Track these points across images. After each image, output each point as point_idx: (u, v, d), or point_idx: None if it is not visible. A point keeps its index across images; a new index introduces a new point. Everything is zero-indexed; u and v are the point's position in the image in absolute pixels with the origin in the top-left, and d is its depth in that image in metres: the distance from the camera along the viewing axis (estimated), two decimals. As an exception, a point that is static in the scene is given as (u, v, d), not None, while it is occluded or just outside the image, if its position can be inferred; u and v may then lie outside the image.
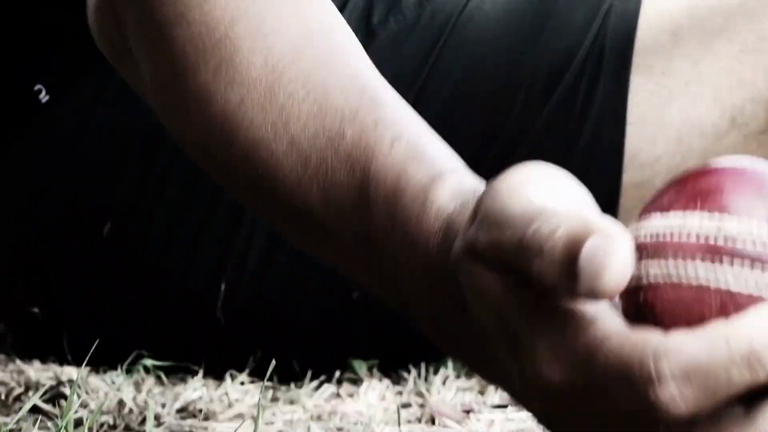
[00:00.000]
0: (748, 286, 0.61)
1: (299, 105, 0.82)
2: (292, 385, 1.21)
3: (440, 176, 0.74)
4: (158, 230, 1.25)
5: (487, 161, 1.17)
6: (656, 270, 0.62)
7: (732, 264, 0.61)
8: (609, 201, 1.12)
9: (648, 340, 0.60)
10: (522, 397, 0.67)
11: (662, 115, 1.19)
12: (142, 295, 1.27)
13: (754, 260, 0.61)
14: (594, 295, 0.60)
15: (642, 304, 0.62)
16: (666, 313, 0.61)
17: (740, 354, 0.59)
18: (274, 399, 1.17)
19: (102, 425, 1.03)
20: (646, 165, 1.15)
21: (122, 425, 1.03)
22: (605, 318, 0.62)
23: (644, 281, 0.62)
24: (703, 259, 0.61)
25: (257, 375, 1.21)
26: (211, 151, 0.87)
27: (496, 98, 1.23)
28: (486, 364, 0.69)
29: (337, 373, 1.21)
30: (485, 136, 1.22)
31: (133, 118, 1.23)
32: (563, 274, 0.61)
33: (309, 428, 1.04)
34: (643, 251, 0.62)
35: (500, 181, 0.67)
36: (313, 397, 1.16)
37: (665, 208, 0.62)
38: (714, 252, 0.61)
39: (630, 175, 1.13)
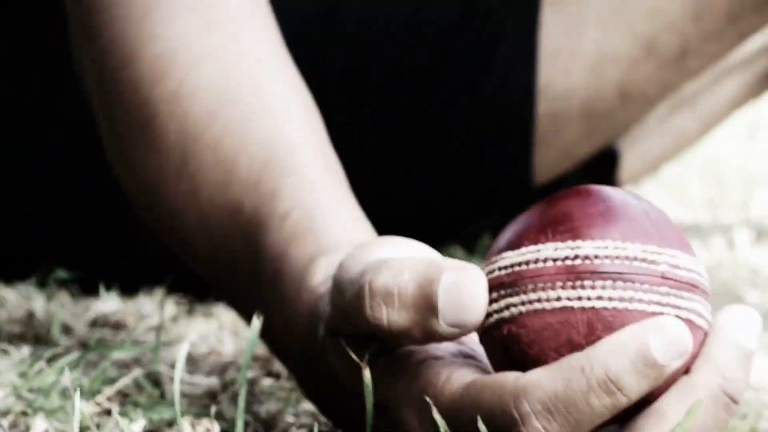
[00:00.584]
0: (612, 302, 0.61)
1: (209, 174, 0.81)
2: (212, 303, 1.22)
3: (319, 256, 0.74)
4: (67, 139, 1.24)
5: (399, 101, 1.18)
6: (517, 301, 0.62)
7: (594, 283, 0.61)
8: (523, 133, 1.14)
9: (505, 382, 0.61)
10: None
11: (576, 45, 1.19)
12: (58, 207, 1.25)
13: (615, 278, 0.61)
14: (459, 327, 0.61)
15: (507, 339, 0.62)
16: (533, 342, 0.61)
17: (597, 381, 0.60)
18: (191, 312, 1.18)
19: (10, 335, 1.03)
20: (561, 96, 1.16)
21: (31, 335, 1.03)
22: (460, 371, 0.63)
23: (506, 314, 0.62)
24: (564, 283, 0.61)
25: (174, 291, 1.21)
26: (140, 210, 0.88)
27: (405, 36, 1.22)
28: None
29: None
30: (396, 76, 1.21)
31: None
32: (420, 314, 0.61)
33: (221, 339, 1.05)
34: (500, 287, 0.62)
35: (350, 253, 0.67)
36: (231, 312, 1.17)
37: (516, 245, 0.62)
38: (574, 274, 0.61)
39: (545, 106, 1.15)
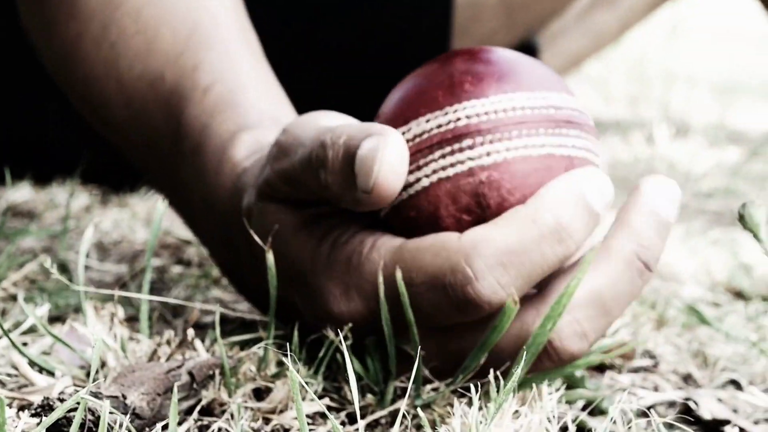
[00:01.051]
0: (582, 150, 0.64)
1: (129, 41, 0.80)
2: (126, 194, 1.21)
3: (242, 131, 0.74)
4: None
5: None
6: (502, 147, 0.62)
7: (569, 131, 0.63)
8: (442, 22, 1.13)
9: (447, 242, 0.61)
10: (316, 327, 0.67)
11: None
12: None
13: (582, 126, 0.64)
14: (371, 192, 0.61)
15: (486, 185, 0.62)
16: (516, 188, 0.62)
17: (548, 230, 0.61)
18: (104, 202, 1.17)
19: None
20: None
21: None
22: (384, 237, 0.63)
23: (489, 161, 0.62)
24: (546, 130, 0.63)
25: (89, 182, 1.20)
26: (58, 79, 0.86)
27: None
28: (277, 305, 0.68)
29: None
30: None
31: None
32: (344, 179, 0.62)
33: (133, 229, 1.04)
34: (477, 134, 0.63)
35: (293, 121, 0.67)
36: (145, 202, 1.17)
37: (479, 95, 0.63)
38: (554, 122, 0.63)
39: None
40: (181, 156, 0.77)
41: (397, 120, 0.64)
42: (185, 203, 0.77)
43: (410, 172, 0.63)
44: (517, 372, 0.58)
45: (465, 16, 1.14)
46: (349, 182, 0.62)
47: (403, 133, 0.63)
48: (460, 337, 0.64)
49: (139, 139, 0.81)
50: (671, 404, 0.73)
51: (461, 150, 0.62)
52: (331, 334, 0.61)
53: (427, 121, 0.63)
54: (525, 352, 0.61)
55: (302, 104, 0.80)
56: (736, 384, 0.78)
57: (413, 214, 0.63)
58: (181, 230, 1.01)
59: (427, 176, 0.63)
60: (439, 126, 0.63)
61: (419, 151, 0.63)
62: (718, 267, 1.01)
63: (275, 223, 0.66)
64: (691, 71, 2.38)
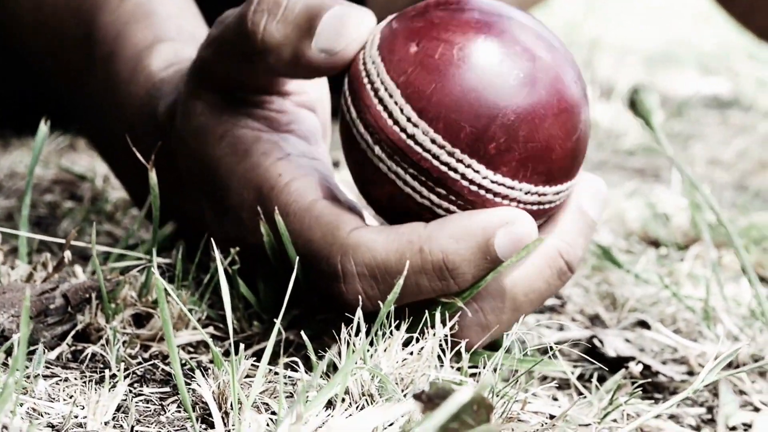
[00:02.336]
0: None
1: None
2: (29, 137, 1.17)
3: (160, 42, 0.71)
4: None
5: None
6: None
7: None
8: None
9: (340, 230, 0.58)
10: (222, 243, 0.64)
11: None
12: None
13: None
14: (329, 53, 0.58)
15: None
16: None
17: (432, 265, 0.57)
18: (5, 146, 1.13)
19: None
20: None
21: None
22: (305, 180, 0.60)
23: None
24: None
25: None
26: None
27: None
28: (188, 214, 0.67)
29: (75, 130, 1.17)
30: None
31: None
32: (296, 32, 0.59)
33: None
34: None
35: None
36: (47, 145, 1.12)
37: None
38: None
39: None
40: (92, 63, 0.74)
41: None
42: (93, 116, 0.74)
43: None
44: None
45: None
46: (300, 35, 0.58)
47: None
48: None
49: (48, 46, 0.78)
50: (576, 343, 0.71)
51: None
52: (218, 256, 0.57)
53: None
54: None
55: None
56: (645, 326, 0.76)
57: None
58: (76, 166, 0.98)
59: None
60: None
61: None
62: (633, 216, 0.99)
63: (198, 127, 0.63)
64: (623, 41, 2.37)
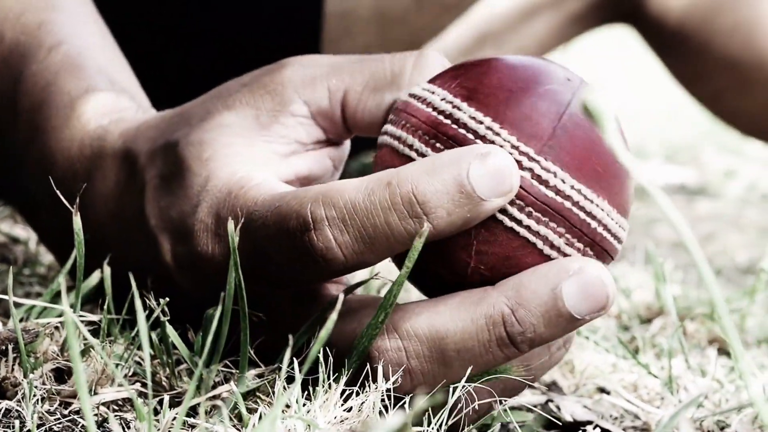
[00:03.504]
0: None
1: None
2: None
3: (93, 91, 0.68)
4: None
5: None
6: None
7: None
8: (311, 33, 1.06)
9: (312, 188, 0.55)
10: (169, 275, 0.61)
11: None
12: None
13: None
14: None
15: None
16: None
17: (401, 198, 0.53)
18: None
19: None
20: None
21: None
22: (262, 182, 0.58)
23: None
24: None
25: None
26: None
27: None
28: (133, 253, 0.63)
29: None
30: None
31: None
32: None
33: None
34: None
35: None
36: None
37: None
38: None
39: (334, 4, 1.06)
40: (16, 115, 0.70)
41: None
42: (13, 175, 0.71)
43: None
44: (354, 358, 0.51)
45: (336, 27, 1.08)
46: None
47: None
48: (294, 324, 0.58)
49: None
50: (530, 409, 0.67)
51: None
52: (137, 301, 0.53)
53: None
54: (352, 353, 0.55)
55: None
56: (604, 393, 0.72)
57: None
58: (7, 227, 0.94)
59: None
60: None
61: None
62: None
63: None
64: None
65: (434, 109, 0.56)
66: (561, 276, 0.54)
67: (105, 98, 0.68)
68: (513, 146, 0.54)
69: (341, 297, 0.52)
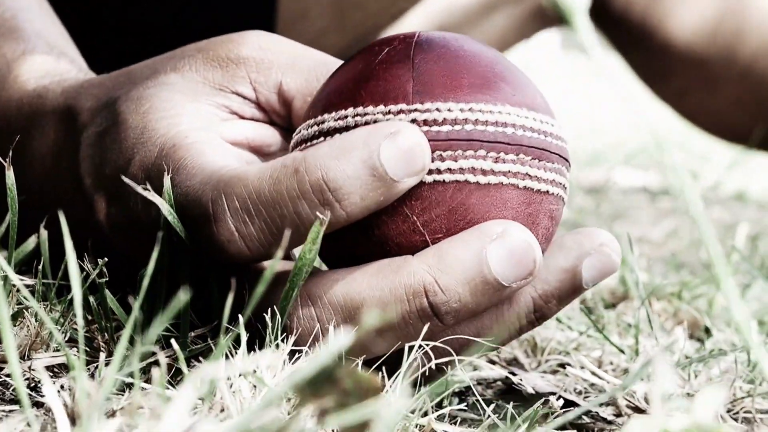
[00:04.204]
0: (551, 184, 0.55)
1: None
2: None
3: (31, 52, 0.66)
4: None
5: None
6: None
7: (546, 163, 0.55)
8: (266, 16, 1.03)
9: (215, 171, 0.52)
10: (105, 237, 0.58)
11: None
12: None
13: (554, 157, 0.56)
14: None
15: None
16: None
17: (311, 185, 0.49)
18: None
19: None
20: None
21: None
22: (194, 143, 0.55)
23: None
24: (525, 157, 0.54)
25: None
26: None
27: None
28: (71, 214, 0.60)
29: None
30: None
31: None
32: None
33: None
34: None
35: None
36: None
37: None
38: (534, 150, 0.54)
39: None
40: None
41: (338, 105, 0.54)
42: None
43: None
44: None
45: (291, 12, 1.04)
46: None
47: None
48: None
49: None
50: (489, 385, 0.64)
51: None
52: (71, 263, 0.50)
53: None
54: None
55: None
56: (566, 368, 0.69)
57: None
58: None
59: None
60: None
61: None
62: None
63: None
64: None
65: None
66: (484, 240, 0.51)
67: (44, 60, 0.65)
68: (384, 113, 0.52)
69: (269, 270, 0.48)
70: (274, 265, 0.45)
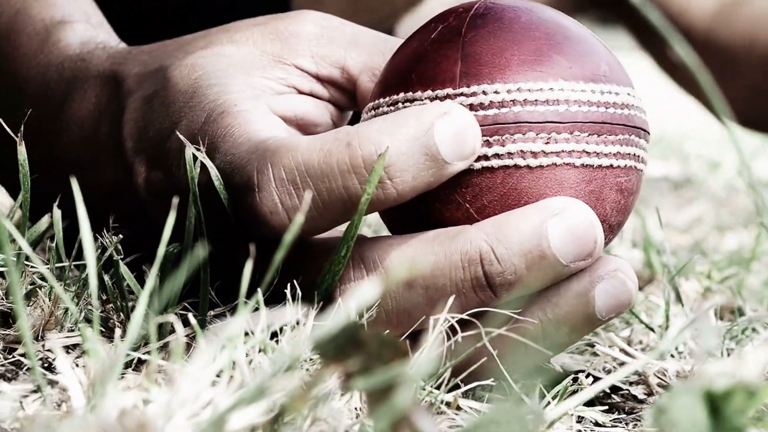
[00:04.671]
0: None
1: None
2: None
3: (69, 21, 0.65)
4: None
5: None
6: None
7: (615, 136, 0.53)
8: (281, 2, 1.02)
9: (263, 143, 0.50)
10: (142, 205, 0.57)
11: None
12: None
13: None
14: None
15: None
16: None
17: (364, 160, 0.48)
18: None
19: None
20: None
21: None
22: (244, 111, 0.54)
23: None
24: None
25: None
26: None
27: None
28: (106, 181, 0.60)
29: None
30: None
31: None
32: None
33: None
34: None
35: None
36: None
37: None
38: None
39: None
40: None
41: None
42: None
43: None
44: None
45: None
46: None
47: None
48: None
49: None
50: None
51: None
52: (86, 237, 0.48)
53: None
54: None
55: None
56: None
57: None
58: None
59: None
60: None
61: None
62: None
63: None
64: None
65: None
66: (545, 214, 0.50)
67: (85, 28, 0.64)
68: (431, 98, 0.51)
69: (288, 236, 0.47)
70: (294, 228, 0.44)
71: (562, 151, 0.51)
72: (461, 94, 0.51)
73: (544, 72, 0.51)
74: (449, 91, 0.51)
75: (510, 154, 0.51)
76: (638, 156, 0.53)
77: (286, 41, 0.59)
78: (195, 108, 0.55)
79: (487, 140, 0.51)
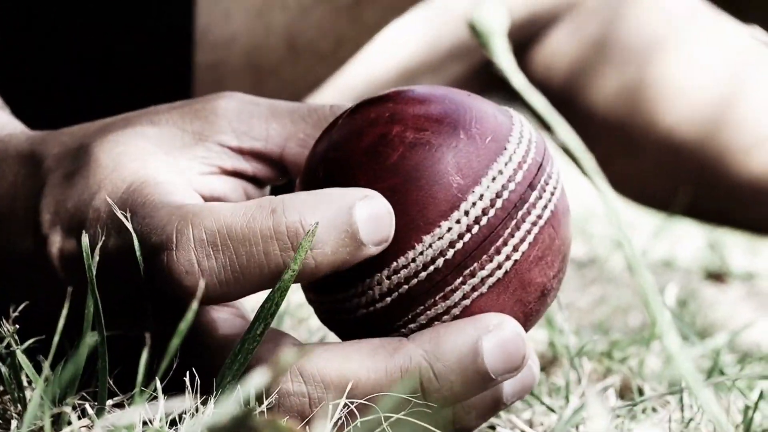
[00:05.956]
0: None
1: None
2: None
3: None
4: None
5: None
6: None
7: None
8: (182, 83, 1.02)
9: (184, 204, 0.51)
10: (56, 280, 0.56)
11: None
12: None
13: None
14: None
15: None
16: None
17: (288, 227, 0.49)
18: None
19: None
20: (221, 43, 1.04)
21: None
22: (165, 182, 0.54)
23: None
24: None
25: None
26: None
27: None
28: (16, 260, 0.59)
29: None
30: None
31: None
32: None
33: None
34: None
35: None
36: None
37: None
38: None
39: (203, 54, 1.03)
40: None
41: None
42: None
43: None
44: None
45: (207, 79, 1.02)
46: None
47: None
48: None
49: None
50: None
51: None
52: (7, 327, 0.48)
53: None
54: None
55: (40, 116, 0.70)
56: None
57: None
58: None
59: None
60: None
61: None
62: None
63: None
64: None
65: None
66: (481, 331, 0.51)
67: (1, 114, 0.65)
68: None
69: (194, 305, 0.46)
70: (200, 292, 0.44)
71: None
72: None
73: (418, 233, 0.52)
74: None
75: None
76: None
77: (206, 119, 0.59)
78: (115, 180, 0.55)
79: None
